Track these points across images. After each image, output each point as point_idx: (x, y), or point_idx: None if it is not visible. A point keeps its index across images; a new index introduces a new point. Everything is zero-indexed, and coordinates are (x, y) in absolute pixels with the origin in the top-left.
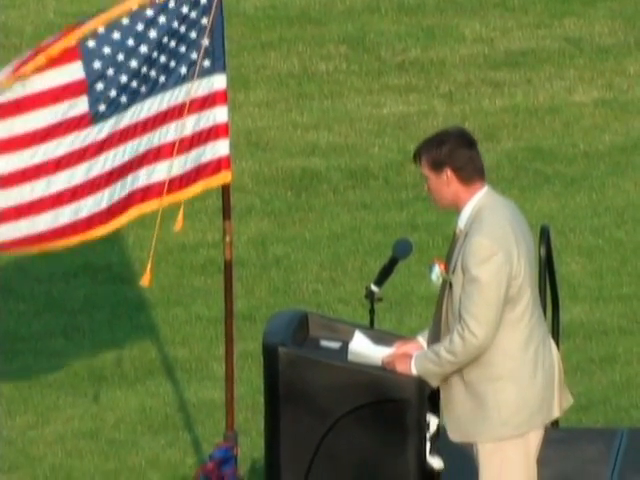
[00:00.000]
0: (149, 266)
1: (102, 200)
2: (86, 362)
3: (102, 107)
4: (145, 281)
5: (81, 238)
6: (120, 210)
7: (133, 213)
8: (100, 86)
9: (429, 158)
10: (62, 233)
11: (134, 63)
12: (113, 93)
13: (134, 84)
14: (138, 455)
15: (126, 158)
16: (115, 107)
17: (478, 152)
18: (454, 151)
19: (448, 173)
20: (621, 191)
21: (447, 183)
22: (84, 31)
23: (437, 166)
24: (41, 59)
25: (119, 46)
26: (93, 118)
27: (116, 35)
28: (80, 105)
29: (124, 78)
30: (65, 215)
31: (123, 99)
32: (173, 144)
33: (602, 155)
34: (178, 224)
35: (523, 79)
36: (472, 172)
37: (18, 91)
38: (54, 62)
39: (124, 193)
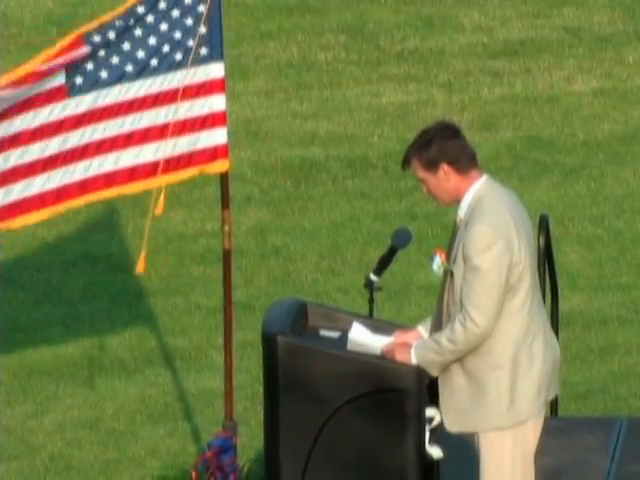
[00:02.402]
0: (143, 252)
1: (74, 172)
2: (85, 351)
3: (79, 80)
4: (140, 267)
5: (51, 210)
6: (99, 186)
7: (114, 192)
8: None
9: (422, 160)
10: (32, 204)
11: (111, 35)
12: (90, 66)
13: (115, 60)
14: (137, 444)
15: (107, 135)
16: (94, 81)
17: (465, 139)
18: (444, 145)
19: (445, 168)
20: (620, 180)
21: (446, 178)
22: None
23: (432, 165)
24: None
25: (112, 27)
26: (70, 90)
27: (117, 21)
28: (58, 77)
29: (102, 52)
30: (36, 185)
31: (103, 74)
32: (162, 128)
33: (601, 144)
34: (159, 208)
35: (522, 68)
36: (467, 160)
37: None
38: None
39: (104, 170)
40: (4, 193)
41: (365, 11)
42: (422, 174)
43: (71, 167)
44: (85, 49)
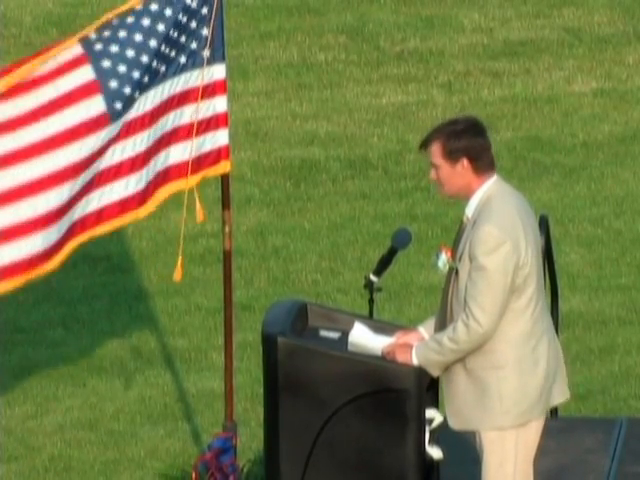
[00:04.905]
0: (179, 261)
1: (112, 192)
2: (85, 352)
3: (119, 105)
4: (177, 275)
5: (92, 233)
6: (137, 204)
7: (147, 209)
8: (114, 84)
9: (445, 149)
10: (83, 228)
11: (145, 58)
12: (127, 90)
13: (145, 78)
14: (137, 445)
15: (136, 151)
16: (130, 103)
17: (490, 141)
18: (472, 142)
19: (464, 163)
20: (620, 181)
21: (462, 174)
22: (87, 33)
23: (453, 156)
24: (42, 59)
25: (127, 43)
26: (112, 117)
27: (122, 33)
28: (95, 106)
29: (136, 74)
30: (78, 210)
31: (136, 94)
32: (172, 133)
33: (601, 145)
34: (199, 216)
35: (522, 69)
36: (486, 162)
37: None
38: (61, 70)
39: (140, 186)
40: (63, 224)
41: (365, 12)
42: (439, 160)
43: (107, 187)
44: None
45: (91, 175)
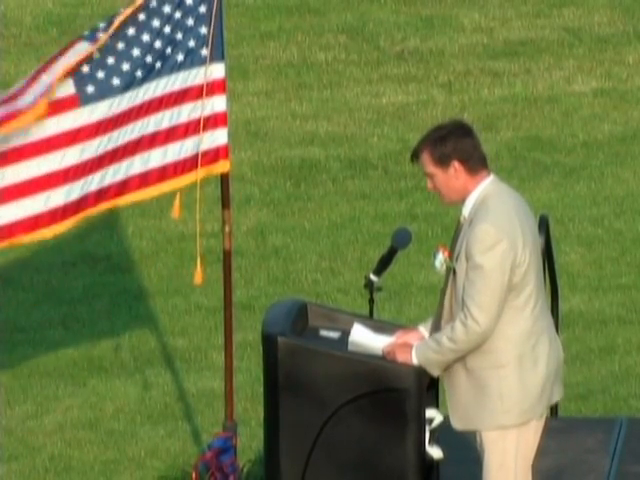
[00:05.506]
0: (199, 262)
1: (92, 183)
2: (85, 352)
3: (90, 89)
4: (198, 279)
5: (72, 221)
6: (112, 195)
7: (129, 199)
8: (85, 68)
9: (434, 155)
10: (53, 217)
11: (120, 45)
12: (100, 75)
13: (126, 67)
14: (137, 445)
15: (119, 143)
16: (107, 89)
17: (478, 140)
18: (458, 143)
19: (456, 165)
20: (620, 181)
21: (455, 176)
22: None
23: (444, 161)
24: (41, 106)
25: (105, 30)
26: (81, 100)
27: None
28: (66, 87)
29: (111, 60)
30: (57, 197)
31: (115, 81)
32: (168, 131)
33: (601, 145)
34: (175, 212)
35: (522, 69)
36: (477, 161)
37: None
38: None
39: (118, 178)
40: (16, 206)
41: (365, 11)
42: (431, 169)
43: (89, 178)
44: (86, 46)
45: (72, 161)
